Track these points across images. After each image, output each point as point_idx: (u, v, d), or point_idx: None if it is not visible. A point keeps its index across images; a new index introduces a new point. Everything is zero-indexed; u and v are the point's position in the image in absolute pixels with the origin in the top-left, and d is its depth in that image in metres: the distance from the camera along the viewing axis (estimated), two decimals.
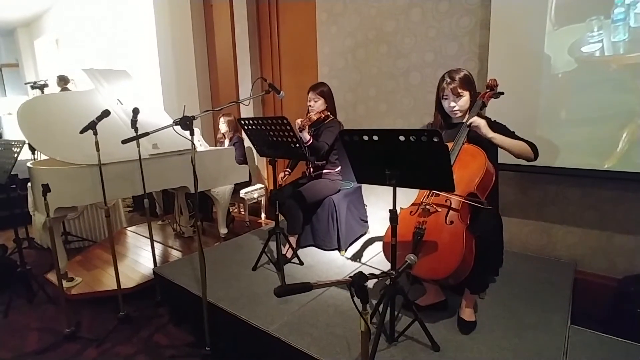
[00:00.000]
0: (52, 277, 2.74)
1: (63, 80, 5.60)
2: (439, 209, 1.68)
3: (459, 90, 1.76)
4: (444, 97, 1.82)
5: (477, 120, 1.70)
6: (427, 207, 1.71)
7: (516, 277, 2.14)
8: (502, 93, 1.90)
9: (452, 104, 1.80)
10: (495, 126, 1.80)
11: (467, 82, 1.78)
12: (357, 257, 2.57)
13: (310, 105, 2.63)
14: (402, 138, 1.33)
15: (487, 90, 1.87)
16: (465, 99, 1.79)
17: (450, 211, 1.65)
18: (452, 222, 1.62)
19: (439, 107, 1.90)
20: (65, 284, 2.53)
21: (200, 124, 4.44)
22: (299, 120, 2.44)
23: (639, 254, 2.15)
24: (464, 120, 1.79)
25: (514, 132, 1.79)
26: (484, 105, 1.85)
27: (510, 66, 2.25)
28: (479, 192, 1.67)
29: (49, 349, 2.12)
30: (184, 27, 4.53)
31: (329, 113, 2.66)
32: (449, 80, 1.78)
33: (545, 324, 1.70)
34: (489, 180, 1.71)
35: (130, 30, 5.52)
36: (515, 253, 2.43)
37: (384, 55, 2.94)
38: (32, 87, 5.21)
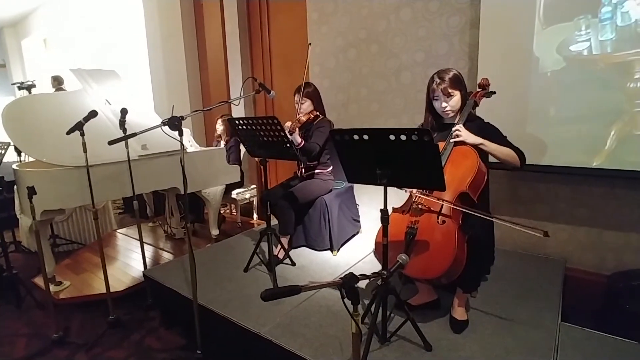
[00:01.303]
0: (40, 281, 2.69)
1: (57, 81, 5.52)
2: (431, 209, 1.68)
3: (450, 90, 1.76)
4: (435, 98, 1.81)
5: (459, 133, 1.69)
6: (419, 206, 1.70)
7: (507, 275, 2.16)
8: (494, 92, 1.91)
9: (444, 104, 1.79)
10: (487, 128, 1.80)
11: (457, 82, 1.78)
12: (349, 257, 2.56)
13: (297, 108, 2.62)
14: (392, 137, 1.33)
15: (479, 90, 1.87)
16: (456, 98, 1.78)
17: (442, 211, 1.65)
18: (444, 222, 1.62)
19: (429, 108, 1.89)
20: (53, 288, 2.49)
21: (190, 124, 4.40)
22: (288, 124, 2.42)
23: (628, 250, 2.18)
24: (456, 121, 1.79)
25: (505, 137, 1.79)
26: (476, 104, 1.85)
27: (500, 65, 2.26)
28: (470, 191, 1.67)
29: (38, 355, 2.08)
30: (174, 26, 4.48)
31: (317, 113, 2.64)
32: (438, 80, 1.77)
33: (537, 322, 1.71)
34: (481, 180, 1.72)
35: (120, 29, 5.46)
36: (506, 251, 2.44)
37: (374, 55, 2.94)
38: (19, 88, 5.12)
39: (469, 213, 1.64)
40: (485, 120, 1.86)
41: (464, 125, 1.73)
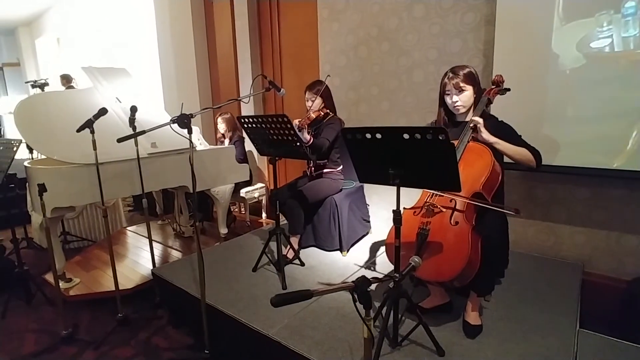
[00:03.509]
0: (50, 278, 2.70)
1: (66, 79, 5.59)
2: (444, 209, 1.63)
3: (461, 85, 1.71)
4: (447, 92, 1.77)
5: (478, 123, 1.64)
6: (431, 207, 1.66)
7: (522, 278, 2.10)
8: (509, 89, 1.85)
9: (455, 98, 1.74)
10: (501, 127, 1.75)
11: (471, 78, 1.73)
12: (359, 258, 2.52)
13: (308, 105, 2.59)
14: (406, 136, 1.29)
15: (493, 87, 1.82)
16: (467, 94, 1.74)
17: (455, 211, 1.61)
18: (457, 223, 1.58)
19: (442, 103, 1.84)
20: (62, 285, 2.50)
21: (200, 122, 4.40)
22: (296, 121, 2.38)
23: None
24: (467, 119, 1.74)
25: (520, 136, 1.74)
26: (490, 102, 1.80)
27: (516, 63, 2.20)
28: (484, 192, 1.62)
29: (46, 352, 2.09)
30: (185, 25, 4.49)
31: (328, 111, 2.61)
32: (451, 75, 1.73)
33: (554, 328, 1.65)
34: (495, 180, 1.67)
35: (131, 28, 5.49)
36: (520, 254, 2.38)
37: (386, 52, 2.89)
38: (33, 86, 5.17)
39: (483, 214, 1.60)
40: (500, 119, 1.81)
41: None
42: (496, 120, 1.80)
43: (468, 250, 1.49)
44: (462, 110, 1.77)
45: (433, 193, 1.72)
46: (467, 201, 1.59)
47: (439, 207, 1.65)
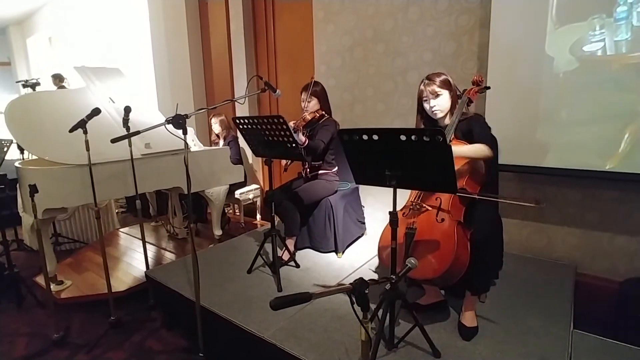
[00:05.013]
0: (41, 280, 2.66)
1: (58, 79, 5.52)
2: (430, 208, 1.66)
3: (437, 90, 1.75)
4: (424, 99, 1.81)
5: None
6: (418, 206, 1.69)
7: (516, 279, 2.11)
8: (488, 87, 1.90)
9: (432, 103, 1.78)
10: (472, 122, 1.76)
11: (446, 83, 1.77)
12: (354, 259, 2.52)
13: (303, 106, 2.58)
14: (403, 138, 1.29)
15: (473, 87, 1.86)
16: (444, 97, 1.77)
17: (441, 209, 1.63)
18: (443, 220, 1.61)
19: (420, 110, 1.88)
20: (54, 287, 2.46)
21: (194, 123, 4.38)
22: (291, 123, 2.38)
23: None
24: (446, 122, 1.79)
25: (489, 129, 1.75)
26: (471, 101, 1.83)
27: (510, 66, 2.21)
28: (468, 186, 1.65)
29: (37, 355, 2.05)
30: (179, 25, 4.46)
31: (323, 112, 2.61)
32: (427, 82, 1.78)
33: (548, 329, 1.66)
34: (477, 176, 1.69)
35: (125, 28, 5.45)
36: (514, 255, 2.39)
37: (381, 54, 2.90)
38: (24, 86, 5.09)
39: (472, 210, 1.63)
40: (489, 119, 1.84)
41: (458, 123, 1.71)
42: (471, 117, 1.80)
43: (454, 245, 1.50)
44: (440, 114, 1.80)
45: (419, 192, 1.74)
46: (456, 195, 1.61)
47: (425, 206, 1.68)
